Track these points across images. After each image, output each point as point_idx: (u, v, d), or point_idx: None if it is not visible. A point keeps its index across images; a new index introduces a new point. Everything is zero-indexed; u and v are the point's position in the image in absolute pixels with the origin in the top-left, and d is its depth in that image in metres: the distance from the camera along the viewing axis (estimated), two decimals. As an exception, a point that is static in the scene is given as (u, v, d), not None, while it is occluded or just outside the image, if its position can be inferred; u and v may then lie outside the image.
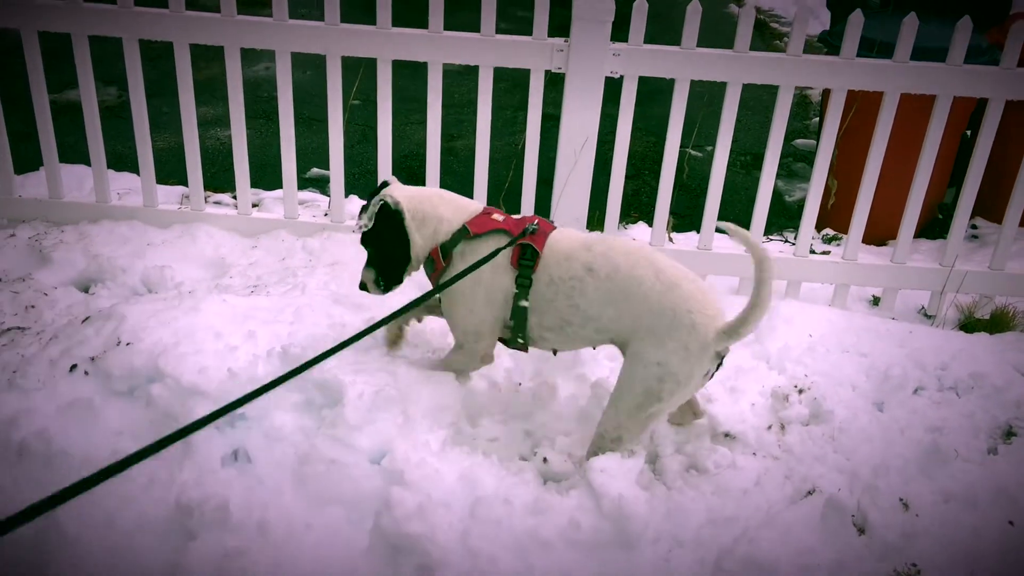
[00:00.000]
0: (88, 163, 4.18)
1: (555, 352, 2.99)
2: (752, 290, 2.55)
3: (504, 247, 2.75)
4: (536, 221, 2.81)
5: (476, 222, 2.80)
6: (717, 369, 2.72)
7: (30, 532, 2.37)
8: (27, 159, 4.40)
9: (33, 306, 3.48)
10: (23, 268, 3.79)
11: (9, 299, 3.51)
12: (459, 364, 2.96)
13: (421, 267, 2.91)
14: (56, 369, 2.87)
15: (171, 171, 4.94)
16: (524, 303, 2.76)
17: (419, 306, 2.65)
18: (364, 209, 2.85)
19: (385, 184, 2.92)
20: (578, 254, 2.73)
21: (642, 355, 2.65)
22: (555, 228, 2.84)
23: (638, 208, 5.27)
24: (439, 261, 2.82)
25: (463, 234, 2.79)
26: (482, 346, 2.89)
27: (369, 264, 2.89)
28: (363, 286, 2.91)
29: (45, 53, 3.88)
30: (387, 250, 2.83)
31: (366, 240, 2.85)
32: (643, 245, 2.78)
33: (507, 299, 2.79)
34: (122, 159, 5.00)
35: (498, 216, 2.83)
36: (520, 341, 2.86)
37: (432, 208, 2.83)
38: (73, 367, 2.86)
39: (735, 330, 2.59)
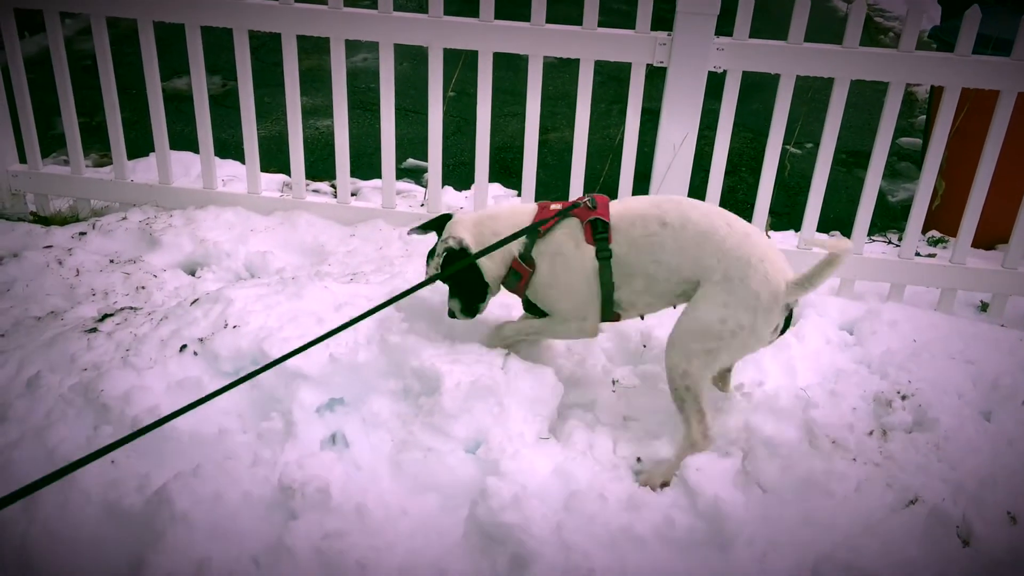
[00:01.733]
0: (192, 150, 4.31)
1: (642, 317, 3.03)
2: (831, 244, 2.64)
3: (553, 219, 2.82)
4: (587, 197, 2.86)
5: (540, 219, 2.87)
6: (786, 328, 2.76)
7: (143, 505, 2.47)
8: (134, 145, 4.55)
9: (144, 287, 3.61)
10: (134, 250, 3.94)
11: (121, 280, 3.66)
12: (562, 335, 2.99)
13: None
14: (167, 349, 2.97)
15: (272, 159, 5.07)
16: (609, 277, 2.82)
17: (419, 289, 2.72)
18: (431, 254, 2.97)
19: (447, 216, 3.00)
20: (649, 212, 2.80)
21: (711, 296, 2.70)
22: (608, 199, 2.89)
23: (734, 205, 5.17)
24: (523, 270, 2.88)
25: (535, 236, 2.85)
26: (589, 324, 2.92)
27: (452, 295, 2.99)
28: (451, 314, 3.01)
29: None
30: (465, 286, 2.94)
31: (443, 278, 2.94)
32: (708, 203, 2.88)
33: (596, 274, 2.83)
34: (225, 146, 5.14)
35: (556, 206, 2.89)
36: (613, 312, 2.90)
37: (492, 234, 2.89)
38: (183, 347, 2.96)
39: (808, 280, 2.65)
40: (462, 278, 2.91)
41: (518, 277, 2.90)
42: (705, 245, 2.74)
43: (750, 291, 2.66)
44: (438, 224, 3.03)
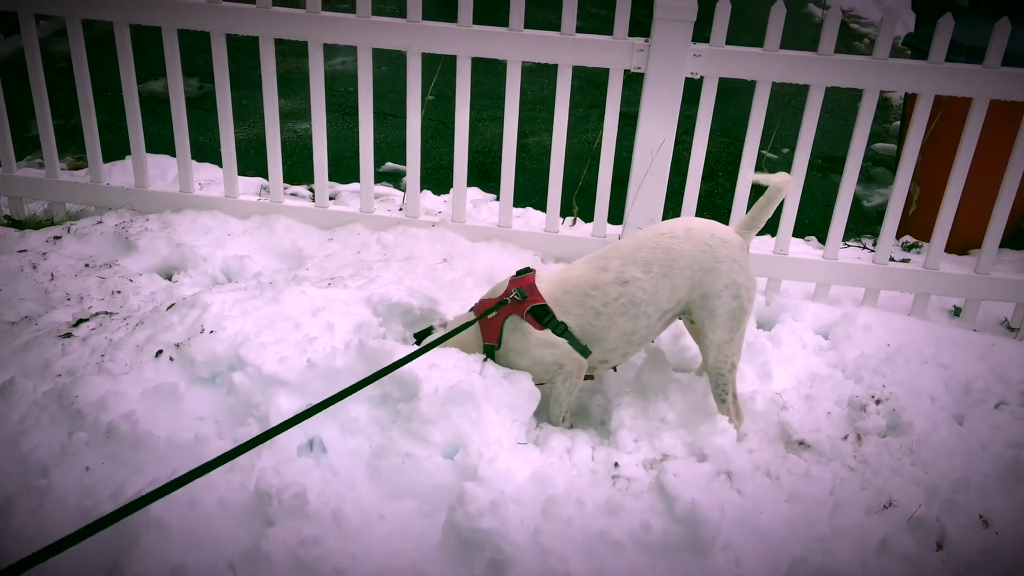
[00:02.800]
0: (169, 153, 4.27)
1: (615, 369, 3.16)
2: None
3: (463, 327, 2.90)
4: (514, 289, 2.91)
5: (486, 335, 2.93)
6: None
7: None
8: (110, 148, 4.52)
9: (119, 292, 3.58)
10: (110, 254, 3.90)
11: (96, 284, 3.63)
12: (562, 391, 2.95)
13: None
14: (142, 354, 2.95)
15: (249, 162, 5.04)
16: (579, 344, 2.91)
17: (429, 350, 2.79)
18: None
19: (430, 330, 3.07)
20: (601, 280, 2.89)
21: (711, 291, 2.88)
22: (532, 274, 2.97)
23: (712, 210, 5.22)
24: None
25: (491, 349, 2.95)
26: (568, 368, 2.91)
27: None
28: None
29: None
30: None
31: None
32: (636, 235, 3.01)
33: (559, 341, 2.91)
34: (202, 149, 5.11)
35: (492, 314, 2.92)
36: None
37: (460, 344, 2.96)
38: (159, 353, 2.94)
39: (752, 221, 3.02)
40: None
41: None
42: (673, 270, 2.88)
43: (730, 262, 2.89)
44: (423, 334, 3.10)
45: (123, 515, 1.78)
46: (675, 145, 3.81)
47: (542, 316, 2.89)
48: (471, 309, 3.03)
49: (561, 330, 2.89)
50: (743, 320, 2.93)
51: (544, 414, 3.01)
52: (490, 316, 2.92)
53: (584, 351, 2.92)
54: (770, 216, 3.03)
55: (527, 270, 3.02)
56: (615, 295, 2.87)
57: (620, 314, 2.88)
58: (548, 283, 2.95)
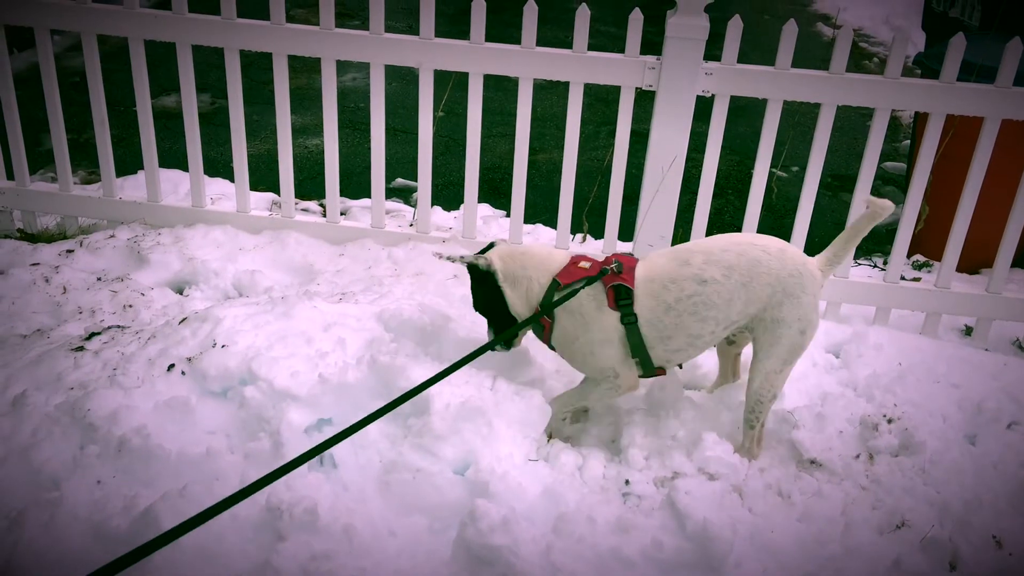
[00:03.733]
0: (181, 167, 4.29)
1: (680, 366, 3.13)
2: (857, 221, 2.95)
3: (578, 288, 2.80)
4: (615, 261, 2.85)
5: (565, 274, 2.85)
6: None
7: (129, 526, 2.45)
8: (122, 163, 4.54)
9: (131, 305, 3.59)
10: (122, 268, 3.92)
11: (108, 298, 3.64)
12: (599, 397, 2.95)
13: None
14: (154, 368, 2.96)
15: (260, 177, 5.06)
16: (639, 340, 2.84)
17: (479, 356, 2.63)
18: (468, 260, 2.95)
19: (492, 245, 2.97)
20: (680, 274, 2.81)
21: (783, 319, 2.83)
22: (636, 260, 2.90)
23: (721, 227, 5.22)
24: (543, 319, 2.87)
25: (555, 288, 2.85)
26: (621, 381, 2.90)
27: (488, 324, 3.01)
28: (491, 346, 2.83)
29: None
30: (491, 309, 2.95)
31: (476, 305, 2.99)
32: (726, 235, 2.94)
33: (621, 337, 2.84)
34: (213, 164, 5.14)
35: (585, 264, 2.88)
36: (653, 369, 2.93)
37: (520, 268, 2.90)
38: (171, 367, 2.95)
39: (835, 258, 2.95)
40: (489, 301, 2.92)
41: (541, 326, 2.90)
42: (755, 282, 2.80)
43: (811, 297, 2.85)
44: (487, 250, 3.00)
45: (159, 546, 1.80)
46: (686, 162, 3.81)
47: (621, 297, 2.81)
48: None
49: (628, 321, 2.80)
50: (798, 356, 2.89)
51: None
52: (583, 266, 2.84)
53: (645, 359, 2.85)
54: (853, 253, 2.99)
55: (629, 254, 2.95)
56: (690, 292, 2.79)
57: (690, 313, 2.80)
58: (641, 268, 2.87)
